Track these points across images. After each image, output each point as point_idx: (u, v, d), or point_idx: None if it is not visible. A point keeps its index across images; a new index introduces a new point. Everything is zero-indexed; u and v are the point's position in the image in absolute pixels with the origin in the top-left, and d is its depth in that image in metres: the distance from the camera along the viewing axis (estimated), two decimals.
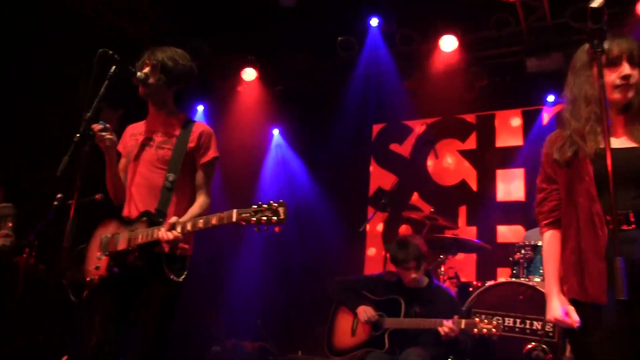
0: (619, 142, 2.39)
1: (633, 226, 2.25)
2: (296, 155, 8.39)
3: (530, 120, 7.23)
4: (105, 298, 3.06)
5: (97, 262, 3.10)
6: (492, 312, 4.37)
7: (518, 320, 4.29)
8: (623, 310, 1.88)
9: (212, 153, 3.25)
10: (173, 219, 2.89)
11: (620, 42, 2.39)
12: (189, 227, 2.86)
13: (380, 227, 7.70)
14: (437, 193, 7.56)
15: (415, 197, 7.68)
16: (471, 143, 7.61)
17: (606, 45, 2.26)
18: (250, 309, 7.46)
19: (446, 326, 3.99)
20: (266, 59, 7.86)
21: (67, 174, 2.72)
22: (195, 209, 3.12)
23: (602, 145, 2.32)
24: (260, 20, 7.09)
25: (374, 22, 7.19)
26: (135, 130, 3.37)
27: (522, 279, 4.68)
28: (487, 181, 7.36)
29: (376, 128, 8.23)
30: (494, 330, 3.85)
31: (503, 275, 6.17)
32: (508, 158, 7.25)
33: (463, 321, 3.98)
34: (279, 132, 8.61)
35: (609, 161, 2.02)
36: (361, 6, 7.05)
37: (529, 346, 4.19)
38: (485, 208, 7.22)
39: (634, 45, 2.40)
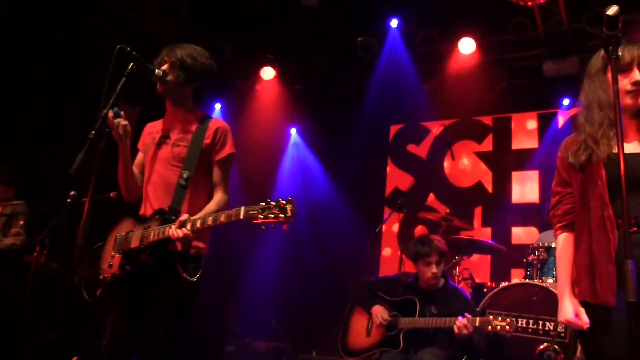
0: (632, 147, 2.43)
1: None
2: (313, 155, 8.42)
3: (545, 123, 7.26)
4: (118, 296, 3.06)
5: (110, 260, 3.10)
6: (505, 313, 4.39)
7: (531, 321, 4.32)
8: (633, 312, 1.93)
9: (228, 149, 3.20)
10: (184, 217, 2.88)
11: (632, 49, 2.42)
12: (198, 224, 2.85)
13: (396, 227, 7.74)
14: (453, 194, 7.60)
15: (431, 198, 7.72)
16: (487, 145, 7.65)
17: (619, 51, 2.29)
18: (266, 308, 7.50)
19: (460, 323, 4.03)
20: (286, 58, 7.94)
21: (81, 171, 2.70)
22: (211, 206, 3.10)
23: (614, 150, 2.36)
24: (281, 20, 7.16)
25: (394, 23, 7.25)
26: (153, 129, 3.35)
27: (535, 280, 4.72)
28: (503, 183, 7.40)
29: (394, 129, 8.27)
30: (507, 327, 3.87)
31: (517, 277, 6.20)
32: (523, 160, 7.29)
33: (477, 319, 4.01)
34: (297, 131, 8.67)
35: (622, 165, 2.07)
36: (382, 7, 7.11)
37: (542, 347, 4.22)
38: (501, 210, 7.26)
39: None
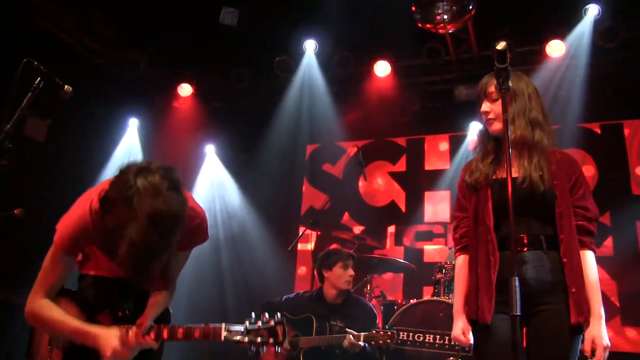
0: (504, 172, 2.63)
1: (526, 248, 2.49)
2: (229, 173, 8.37)
3: (457, 145, 7.53)
4: None
5: (47, 355, 2.63)
6: (413, 329, 4.52)
7: (438, 337, 4.42)
8: (515, 325, 2.07)
9: None
10: (147, 323, 2.48)
11: (481, 81, 2.68)
12: (165, 335, 2.49)
13: (311, 246, 7.78)
14: (367, 213, 7.74)
15: (346, 217, 7.83)
16: (401, 165, 7.85)
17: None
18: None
19: (348, 341, 4.20)
20: (203, 76, 7.90)
21: None
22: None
23: (499, 176, 2.58)
24: (199, 37, 7.13)
25: (310, 44, 7.36)
26: None
27: (442, 297, 4.89)
28: (416, 202, 7.59)
29: (310, 148, 8.35)
30: (389, 340, 4.09)
31: (428, 294, 6.36)
32: (435, 180, 7.51)
33: (362, 334, 4.18)
34: (213, 149, 8.59)
35: (509, 189, 2.22)
36: (300, 28, 7.20)
37: None
38: (413, 228, 7.46)
39: (487, 81, 2.66)
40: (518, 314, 2.04)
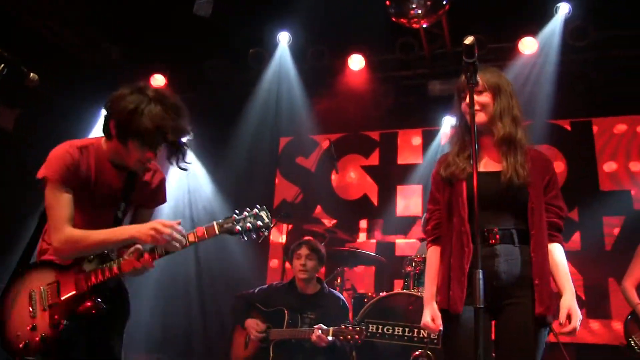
0: (482, 165, 2.67)
1: (498, 242, 2.54)
2: (201, 164, 8.31)
3: (429, 139, 7.58)
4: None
5: (31, 321, 2.66)
6: (383, 322, 4.57)
7: (407, 329, 4.50)
8: (482, 316, 2.11)
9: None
10: (138, 246, 2.67)
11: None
12: (159, 250, 2.69)
13: (282, 239, 7.81)
14: (339, 206, 7.76)
15: (318, 210, 7.85)
16: (374, 159, 7.89)
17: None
18: (151, 320, 7.32)
19: (316, 335, 4.25)
20: (176, 67, 7.84)
21: None
22: None
23: (471, 169, 2.61)
24: (174, 28, 7.05)
25: (285, 36, 7.33)
26: None
27: (412, 290, 4.93)
28: (388, 196, 7.63)
29: (283, 141, 8.34)
30: (357, 336, 4.16)
31: (399, 287, 6.42)
32: (408, 175, 7.56)
33: (331, 329, 4.23)
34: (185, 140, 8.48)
35: (475, 183, 2.25)
36: (275, 20, 7.17)
37: (416, 353, 4.42)
38: (385, 222, 7.50)
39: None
40: (481, 306, 2.08)
